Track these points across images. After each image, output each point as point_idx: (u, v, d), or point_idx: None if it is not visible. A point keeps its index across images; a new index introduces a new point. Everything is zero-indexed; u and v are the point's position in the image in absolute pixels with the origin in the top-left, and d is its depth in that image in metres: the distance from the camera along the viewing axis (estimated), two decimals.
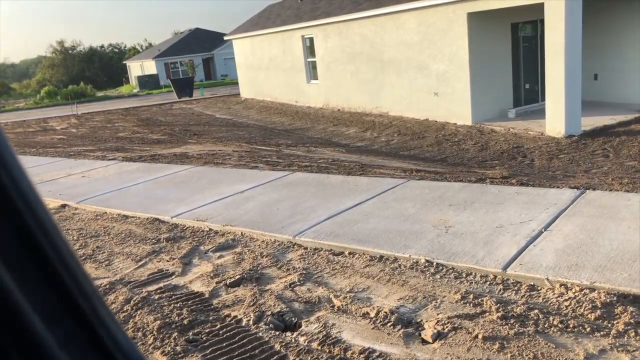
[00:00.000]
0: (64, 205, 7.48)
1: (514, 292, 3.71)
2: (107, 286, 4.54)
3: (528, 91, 14.16)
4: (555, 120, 10.98)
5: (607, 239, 4.27)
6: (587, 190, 5.63)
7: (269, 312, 3.78)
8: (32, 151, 13.72)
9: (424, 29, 14.11)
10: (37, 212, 0.46)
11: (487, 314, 3.43)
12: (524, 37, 13.75)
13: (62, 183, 8.91)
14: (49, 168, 10.46)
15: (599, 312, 3.29)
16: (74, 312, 0.47)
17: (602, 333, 3.10)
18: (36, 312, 0.43)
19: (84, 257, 5.37)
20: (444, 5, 13.08)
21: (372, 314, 3.58)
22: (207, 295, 4.19)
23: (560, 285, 3.65)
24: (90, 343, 0.48)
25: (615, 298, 3.40)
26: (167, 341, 3.53)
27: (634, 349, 2.93)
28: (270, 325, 3.62)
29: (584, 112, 11.18)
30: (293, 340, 3.41)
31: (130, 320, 3.89)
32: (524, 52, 13.82)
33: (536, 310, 3.38)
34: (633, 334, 3.05)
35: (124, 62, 63.33)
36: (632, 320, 3.16)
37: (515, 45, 13.64)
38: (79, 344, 0.47)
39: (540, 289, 3.70)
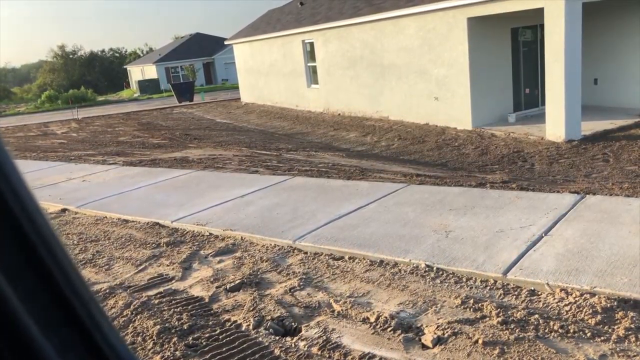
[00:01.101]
0: (64, 210, 7.48)
1: (514, 297, 3.70)
2: (107, 291, 4.54)
3: (528, 96, 14.17)
4: (555, 124, 10.98)
5: (608, 244, 4.27)
6: (588, 195, 5.63)
7: (269, 317, 3.77)
8: (32, 155, 13.73)
9: (423, 34, 14.14)
10: (35, 218, 0.46)
11: (488, 319, 3.42)
12: (523, 41, 13.78)
13: (62, 187, 8.91)
14: (49, 172, 10.46)
15: (599, 317, 3.28)
16: (71, 318, 0.47)
17: (602, 338, 3.09)
18: (33, 319, 0.43)
19: (83, 262, 5.37)
20: (443, 10, 13.12)
21: (372, 319, 3.57)
22: (206, 300, 4.18)
23: (561, 290, 3.65)
24: (88, 350, 0.47)
25: (615, 303, 3.40)
26: (166, 346, 3.52)
27: (635, 354, 2.92)
28: (270, 330, 3.61)
29: (584, 117, 11.19)
30: (293, 345, 3.40)
31: (130, 325, 3.88)
32: (524, 56, 13.85)
33: (536, 315, 3.37)
34: (634, 339, 3.05)
35: (125, 66, 63.48)
36: (632, 326, 3.15)
37: (515, 50, 13.67)
38: (76, 350, 0.47)
39: (541, 294, 3.69)
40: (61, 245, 0.48)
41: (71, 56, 75.60)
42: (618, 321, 3.23)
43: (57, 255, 0.46)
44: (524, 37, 13.72)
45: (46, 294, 0.46)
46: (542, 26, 11.40)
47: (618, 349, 2.98)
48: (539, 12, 10.85)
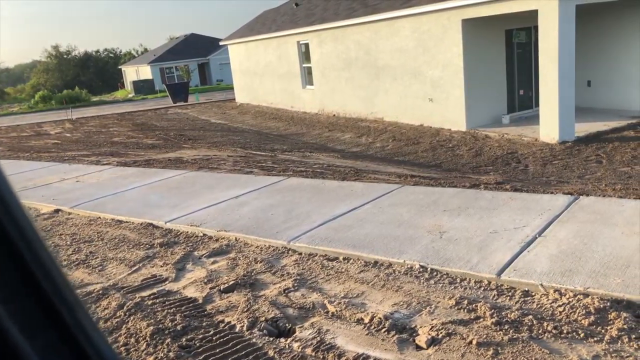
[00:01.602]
0: (57, 210, 7.44)
1: (508, 297, 3.70)
2: (100, 292, 4.51)
3: (522, 97, 14.23)
4: (549, 126, 11.03)
5: (601, 245, 4.28)
6: (581, 196, 5.65)
7: (263, 318, 3.76)
8: (25, 156, 13.66)
9: (418, 36, 14.17)
10: (17, 218, 0.45)
11: (482, 319, 3.43)
12: (518, 43, 13.83)
13: (55, 188, 8.87)
14: (42, 173, 10.41)
15: (592, 317, 3.29)
16: (55, 321, 0.46)
17: (595, 339, 3.10)
18: (15, 322, 0.42)
19: (77, 262, 5.34)
20: (438, 12, 13.15)
21: (367, 320, 3.57)
22: (200, 301, 4.17)
23: (554, 291, 3.66)
24: (71, 353, 0.46)
25: (608, 304, 3.41)
26: (160, 347, 3.50)
27: (628, 354, 2.93)
28: (264, 331, 3.60)
29: (577, 119, 11.25)
30: (287, 346, 3.40)
31: (123, 326, 3.86)
32: (518, 58, 13.91)
33: (530, 316, 3.38)
34: (626, 339, 3.06)
35: (119, 67, 63.27)
36: (625, 326, 3.16)
37: (510, 52, 13.73)
38: (59, 353, 0.46)
39: (535, 295, 3.70)
40: (45, 246, 0.47)
41: (65, 56, 75.30)
42: (611, 322, 3.24)
43: (41, 257, 0.45)
44: (518, 38, 13.78)
45: (28, 296, 0.45)
46: (536, 28, 11.45)
47: (611, 349, 2.99)
48: (533, 13, 10.90)
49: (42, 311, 0.45)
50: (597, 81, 13.89)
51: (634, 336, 3.08)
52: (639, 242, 4.25)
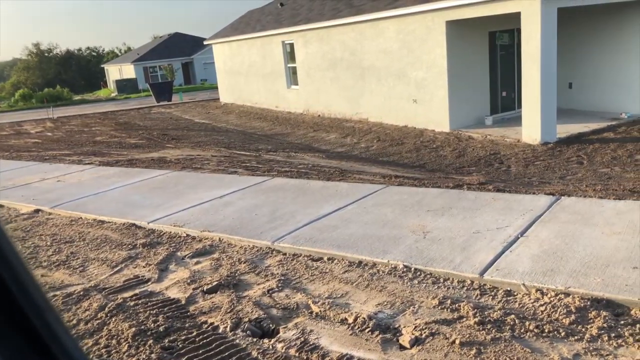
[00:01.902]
0: (37, 211, 7.32)
1: (491, 297, 3.73)
2: (81, 293, 4.45)
3: (505, 99, 14.38)
4: (531, 127, 11.16)
5: (582, 245, 4.34)
6: (562, 197, 5.72)
7: (247, 319, 3.74)
8: (5, 155, 13.43)
9: (403, 37, 14.24)
10: None
11: (465, 319, 3.45)
12: (501, 45, 13.97)
13: (35, 187, 8.73)
14: (22, 172, 10.24)
15: (573, 316, 3.33)
16: (24, 326, 0.44)
17: (576, 337, 3.14)
18: None
19: (57, 263, 5.26)
20: (422, 14, 13.23)
21: (350, 320, 3.57)
22: (183, 302, 4.13)
23: (536, 291, 3.69)
24: (39, 357, 0.45)
25: (589, 303, 3.45)
26: (142, 349, 3.46)
27: (607, 353, 2.97)
28: (248, 332, 3.58)
29: (559, 120, 11.40)
30: (270, 347, 3.38)
31: (105, 328, 3.81)
32: (501, 60, 14.05)
33: (512, 316, 3.41)
34: (606, 338, 3.10)
35: (102, 65, 62.59)
36: (605, 325, 3.21)
37: (493, 54, 13.87)
38: (26, 358, 0.44)
39: (517, 294, 3.73)
40: (13, 249, 0.45)
41: (46, 54, 74.29)
42: (591, 321, 3.28)
43: (9, 259, 0.43)
44: (501, 40, 13.92)
45: None
46: (519, 30, 11.58)
47: (591, 347, 3.03)
48: (516, 16, 11.01)
49: (10, 318, 0.43)
50: (578, 83, 14.10)
51: (613, 334, 3.12)
52: (619, 242, 4.31)
